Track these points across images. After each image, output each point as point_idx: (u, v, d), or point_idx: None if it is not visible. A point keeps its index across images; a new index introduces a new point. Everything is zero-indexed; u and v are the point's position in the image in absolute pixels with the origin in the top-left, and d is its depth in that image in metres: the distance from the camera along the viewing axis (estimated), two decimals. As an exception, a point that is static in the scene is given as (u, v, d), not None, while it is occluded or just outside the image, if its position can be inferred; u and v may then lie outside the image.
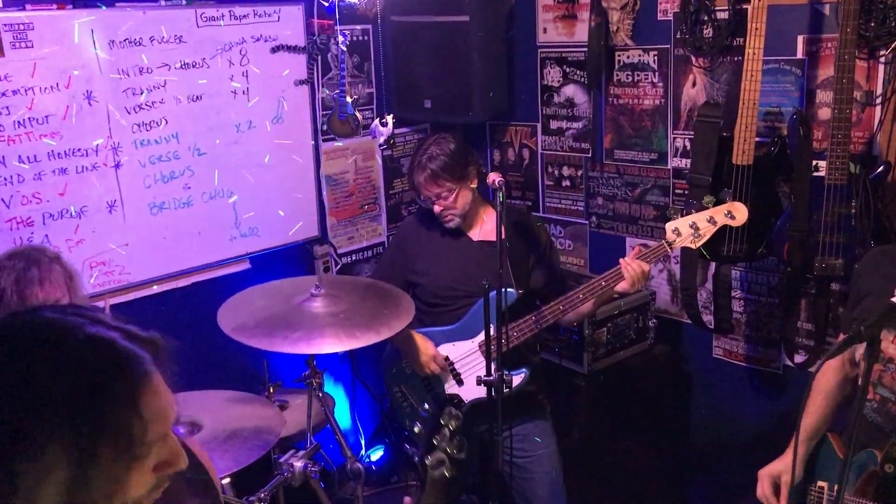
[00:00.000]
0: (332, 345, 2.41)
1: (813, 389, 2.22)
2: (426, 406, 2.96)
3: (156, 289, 3.36)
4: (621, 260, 2.70)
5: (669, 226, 2.73)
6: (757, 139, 2.95)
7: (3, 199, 2.87)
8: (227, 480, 2.55)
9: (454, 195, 2.87)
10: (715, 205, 2.85)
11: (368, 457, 4.14)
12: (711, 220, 2.71)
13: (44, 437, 0.93)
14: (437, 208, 2.92)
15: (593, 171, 3.92)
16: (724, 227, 2.74)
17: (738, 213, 2.73)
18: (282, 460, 2.45)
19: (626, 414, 3.52)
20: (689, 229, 2.70)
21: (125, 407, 0.98)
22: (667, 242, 2.71)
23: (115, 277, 3.22)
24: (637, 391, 3.55)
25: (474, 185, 2.92)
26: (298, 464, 2.42)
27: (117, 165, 3.15)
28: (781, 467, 2.22)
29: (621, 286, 2.70)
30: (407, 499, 1.37)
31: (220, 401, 2.56)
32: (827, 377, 2.23)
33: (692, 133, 3.32)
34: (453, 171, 2.85)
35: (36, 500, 0.93)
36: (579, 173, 3.98)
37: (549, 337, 3.46)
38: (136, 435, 0.99)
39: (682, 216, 2.78)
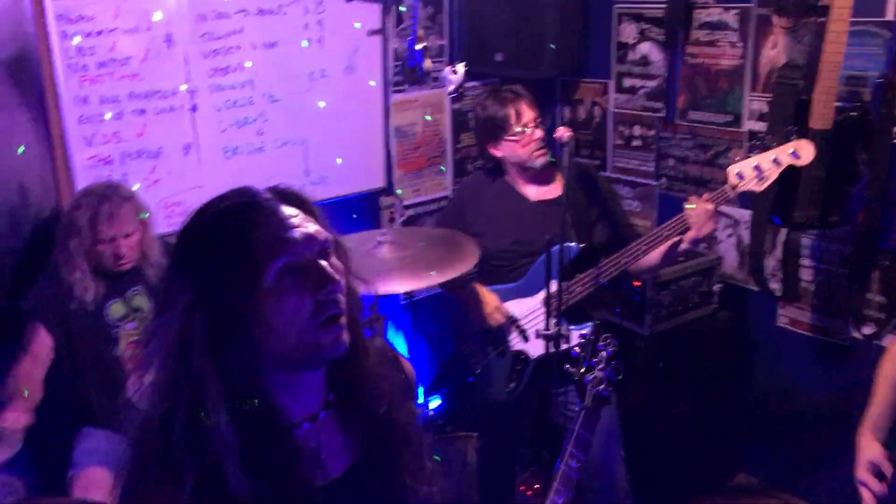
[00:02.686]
0: (399, 286, 2.46)
1: (878, 376, 2.12)
2: (492, 363, 3.00)
3: (227, 231, 3.44)
4: (684, 204, 2.65)
5: (732, 169, 2.63)
6: (837, 104, 2.87)
7: (84, 137, 2.97)
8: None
9: (540, 121, 2.87)
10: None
11: (429, 402, 4.21)
12: (776, 161, 2.59)
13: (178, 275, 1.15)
14: (537, 133, 2.86)
15: (665, 132, 3.86)
16: (795, 183, 2.65)
17: (804, 151, 2.59)
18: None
19: (685, 378, 3.50)
20: (752, 172, 2.60)
21: (237, 237, 1.12)
22: (730, 186, 2.63)
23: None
24: (698, 356, 3.53)
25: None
26: (359, 405, 2.49)
27: (193, 109, 3.23)
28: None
29: (688, 235, 2.64)
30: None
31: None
32: (893, 363, 2.13)
33: (769, 95, 3.24)
34: (533, 99, 2.85)
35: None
36: (651, 133, 3.93)
37: (611, 297, 3.46)
38: (250, 259, 1.11)
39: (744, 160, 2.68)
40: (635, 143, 4.00)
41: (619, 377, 1.54)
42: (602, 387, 1.52)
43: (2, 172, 2.85)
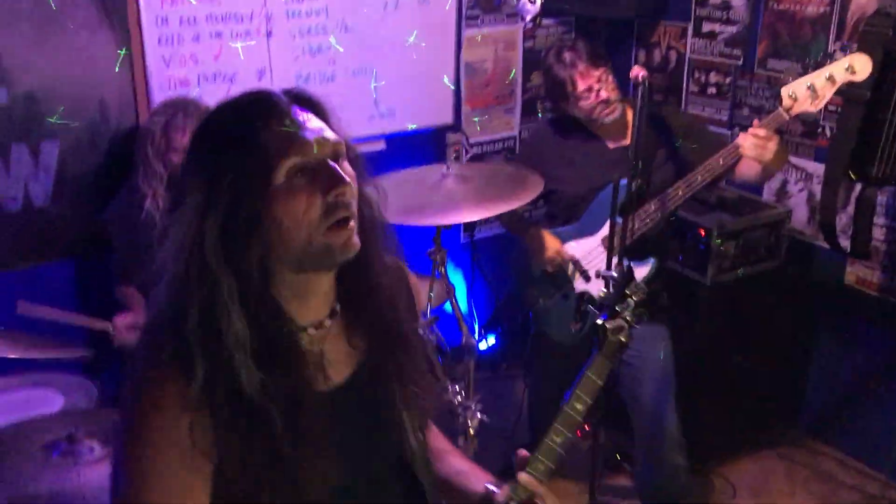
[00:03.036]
0: (462, 216, 2.49)
1: None
2: (556, 305, 3.01)
3: (296, 159, 3.50)
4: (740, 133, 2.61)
5: (785, 90, 2.54)
6: (927, 56, 2.75)
7: (163, 58, 3.04)
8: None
9: (608, 78, 2.82)
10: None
11: (483, 339, 4.26)
12: (830, 79, 2.49)
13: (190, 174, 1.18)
14: (603, 94, 2.85)
15: (742, 80, 3.76)
16: (874, 137, 2.56)
17: (860, 65, 2.47)
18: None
19: (745, 331, 3.47)
20: (805, 91, 2.51)
21: (245, 132, 1.15)
22: (783, 109, 2.56)
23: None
24: (760, 309, 3.48)
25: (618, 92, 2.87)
26: (418, 332, 2.54)
27: (269, 35, 3.26)
28: None
29: (748, 153, 2.58)
30: (522, 451, 1.45)
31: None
32: None
33: (855, 45, 3.12)
34: (600, 53, 2.81)
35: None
36: (727, 81, 3.83)
37: (673, 244, 3.43)
38: (260, 154, 1.13)
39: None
40: (710, 90, 3.91)
41: (640, 325, 1.52)
42: (621, 335, 1.51)
43: (83, 89, 2.95)
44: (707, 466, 3.58)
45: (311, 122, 1.19)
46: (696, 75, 3.95)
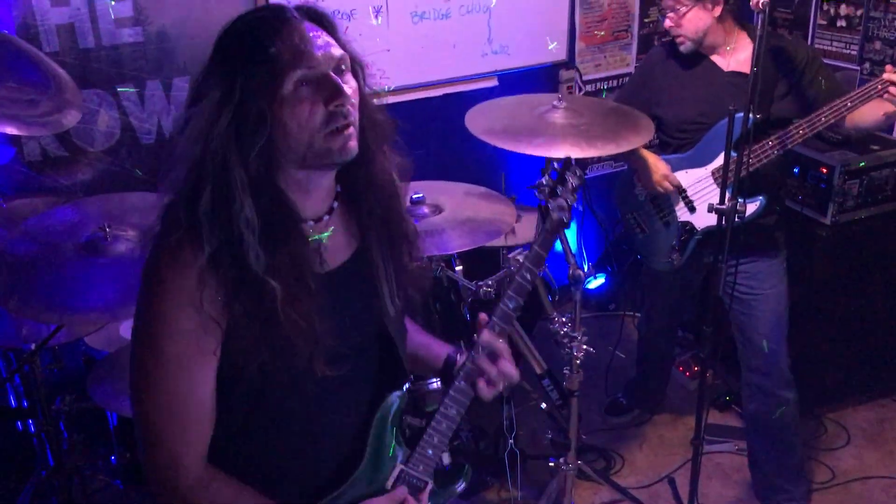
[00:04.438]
0: (572, 151, 2.49)
1: None
2: (657, 232, 3.00)
3: (411, 96, 3.57)
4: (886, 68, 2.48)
5: None
6: None
7: (285, -4, 3.14)
8: (459, 267, 2.79)
9: (685, 12, 2.74)
10: None
11: (593, 278, 4.27)
12: None
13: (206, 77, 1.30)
14: (667, 22, 2.82)
15: (876, 11, 3.56)
16: None
17: None
18: (510, 255, 2.62)
19: (865, 273, 3.35)
20: None
21: (256, 42, 1.27)
22: None
23: (376, 81, 3.44)
24: (882, 251, 3.35)
25: (716, 13, 2.75)
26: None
27: (385, -28, 3.32)
28: None
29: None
30: (482, 315, 1.54)
31: (461, 192, 2.76)
32: None
33: None
34: None
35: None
36: (859, 13, 3.63)
37: (792, 182, 3.32)
38: (269, 63, 1.26)
39: None
40: (840, 23, 3.72)
41: (574, 204, 1.70)
42: (564, 214, 1.66)
43: (208, 25, 3.08)
44: (820, 411, 3.51)
45: (320, 37, 1.31)
46: (825, 7, 3.76)
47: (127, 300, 2.07)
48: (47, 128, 2.49)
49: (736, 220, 2.40)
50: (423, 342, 1.70)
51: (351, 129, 1.32)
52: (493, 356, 1.51)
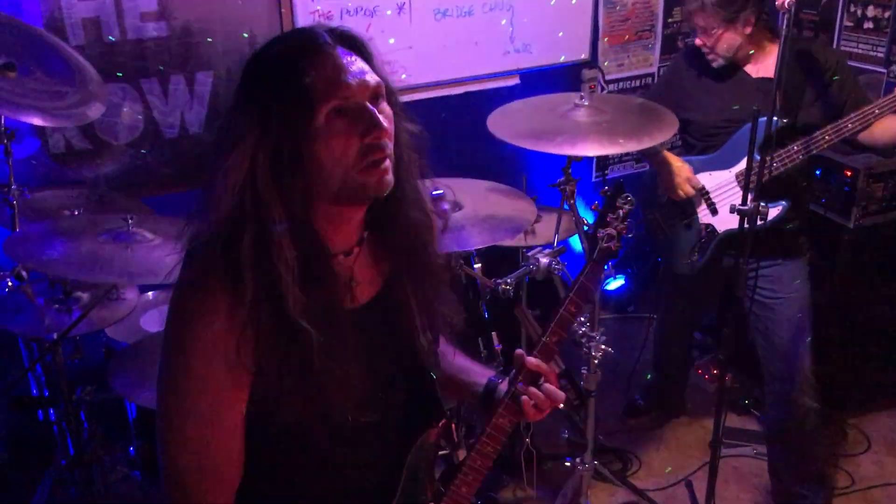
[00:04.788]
0: (594, 149, 2.48)
1: None
2: (677, 234, 2.98)
3: (432, 93, 3.57)
4: None
5: None
6: None
7: (309, -9, 3.16)
8: (478, 265, 2.79)
9: (717, 35, 2.73)
10: None
11: (612, 279, 4.25)
12: None
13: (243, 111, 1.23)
14: (698, 41, 2.82)
15: (903, 13, 3.52)
16: None
17: None
18: (529, 254, 2.62)
19: (889, 277, 3.31)
20: None
21: (289, 75, 1.20)
22: None
23: (397, 78, 3.44)
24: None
25: (747, 31, 2.74)
26: (544, 260, 2.57)
27: (409, -31, 3.32)
28: None
29: None
30: (519, 351, 1.51)
31: (482, 189, 2.76)
32: None
33: None
34: (724, 8, 2.69)
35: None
36: (886, 15, 3.59)
37: (816, 185, 3.29)
38: (303, 97, 1.19)
39: None
40: (867, 24, 3.68)
41: (630, 235, 1.58)
42: (612, 243, 1.54)
43: (234, 22, 3.10)
44: (841, 416, 3.47)
45: (354, 64, 1.23)
46: (853, 9, 3.73)
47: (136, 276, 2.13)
48: (72, 120, 2.52)
49: (758, 222, 2.39)
50: (464, 366, 1.62)
51: (387, 163, 1.25)
52: (537, 380, 1.45)
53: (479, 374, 1.59)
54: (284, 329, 1.22)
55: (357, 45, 1.27)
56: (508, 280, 2.54)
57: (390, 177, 1.26)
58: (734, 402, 3.58)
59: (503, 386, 1.51)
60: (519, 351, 1.49)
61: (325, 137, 1.20)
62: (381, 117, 1.23)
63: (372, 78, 1.23)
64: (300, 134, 1.20)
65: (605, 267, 1.58)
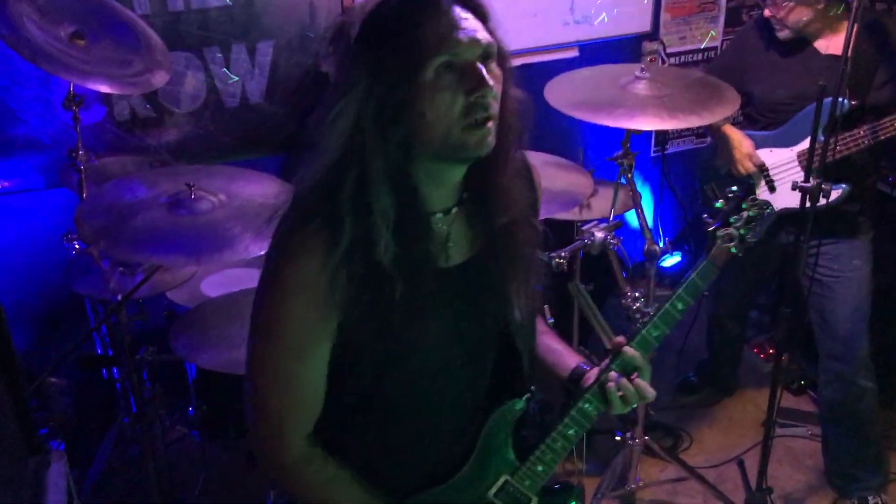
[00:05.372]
0: (653, 122, 2.45)
1: None
2: (732, 210, 2.94)
3: (489, 65, 3.55)
4: None
5: None
6: None
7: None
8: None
9: (788, 7, 2.65)
10: None
11: (669, 256, 4.20)
12: None
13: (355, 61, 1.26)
14: (767, 12, 2.74)
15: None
16: None
17: None
18: (584, 228, 2.61)
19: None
20: None
21: (403, 27, 1.21)
22: None
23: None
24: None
25: (819, 6, 2.65)
26: (599, 234, 2.56)
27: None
28: None
29: None
30: (619, 338, 1.48)
31: (538, 162, 2.72)
32: None
33: None
34: None
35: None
36: (964, -14, 3.45)
37: (885, 165, 3.20)
38: (415, 50, 1.20)
39: None
40: (943, -3, 3.54)
41: (753, 241, 1.51)
42: (732, 244, 1.48)
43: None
44: (898, 400, 3.40)
45: (467, 21, 1.23)
46: (928, -19, 3.59)
47: (205, 252, 2.16)
48: (137, 87, 2.57)
49: (819, 202, 2.34)
50: (554, 348, 1.62)
51: (490, 124, 1.25)
52: (629, 372, 1.44)
53: (568, 357, 1.58)
54: (373, 276, 1.25)
55: (473, 4, 1.26)
56: (563, 254, 2.53)
57: (492, 138, 1.26)
58: (790, 382, 3.54)
59: (591, 374, 1.50)
60: (620, 338, 1.48)
61: (431, 91, 1.21)
62: (488, 77, 1.22)
63: (484, 37, 1.23)
64: (408, 85, 1.21)
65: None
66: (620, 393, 1.43)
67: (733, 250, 1.50)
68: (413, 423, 1.41)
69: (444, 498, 1.45)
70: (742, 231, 1.51)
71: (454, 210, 1.35)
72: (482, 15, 1.26)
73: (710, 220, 1.55)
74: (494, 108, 1.25)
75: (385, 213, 1.24)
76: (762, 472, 2.68)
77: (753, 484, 2.78)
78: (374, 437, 1.42)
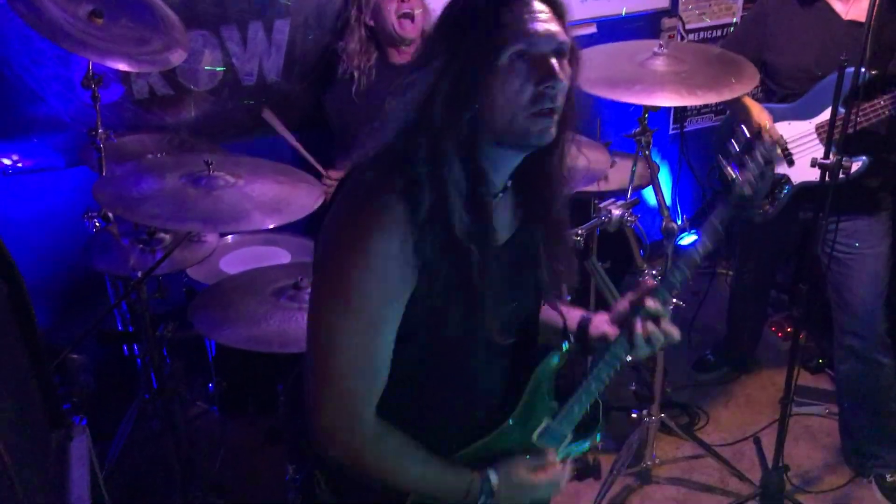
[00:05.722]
0: (671, 99, 2.44)
1: None
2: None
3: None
4: None
5: None
6: None
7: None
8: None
9: None
10: None
11: (687, 234, 4.18)
12: None
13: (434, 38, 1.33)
14: None
15: None
16: None
17: None
18: (602, 205, 2.61)
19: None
20: None
21: (482, 12, 1.27)
22: None
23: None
24: None
25: None
26: (616, 211, 2.56)
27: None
28: None
29: None
30: (648, 280, 1.53)
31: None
32: None
33: None
34: None
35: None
36: None
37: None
38: (493, 36, 1.26)
39: None
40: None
41: (768, 186, 1.53)
42: (748, 189, 1.51)
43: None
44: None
45: (547, 14, 1.29)
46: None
47: (221, 221, 2.23)
48: (156, 65, 2.59)
49: (840, 177, 2.32)
50: (553, 308, 1.70)
51: (554, 116, 1.31)
52: (656, 319, 1.49)
53: (569, 311, 1.65)
54: (450, 248, 1.29)
55: (554, 2, 1.32)
56: (579, 231, 2.53)
57: (554, 130, 1.33)
58: (808, 360, 3.53)
59: (598, 319, 1.59)
60: (650, 281, 1.52)
61: (503, 77, 1.27)
62: (559, 70, 1.29)
63: (559, 33, 1.30)
64: (483, 68, 1.26)
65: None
66: (646, 335, 1.48)
67: (747, 194, 1.52)
68: (467, 384, 1.48)
69: (494, 445, 1.52)
70: (756, 174, 1.53)
71: (501, 195, 1.41)
72: (560, 12, 1.32)
73: (725, 163, 1.56)
74: (560, 101, 1.31)
75: (458, 185, 1.29)
76: (779, 450, 2.68)
77: (770, 462, 2.78)
78: (428, 399, 1.47)
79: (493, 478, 1.47)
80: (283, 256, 2.98)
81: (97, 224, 2.72)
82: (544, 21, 1.28)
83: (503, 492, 1.48)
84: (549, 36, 1.28)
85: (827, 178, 2.37)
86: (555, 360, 1.54)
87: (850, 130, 2.32)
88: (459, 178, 1.29)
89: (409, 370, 1.40)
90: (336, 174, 2.96)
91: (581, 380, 1.56)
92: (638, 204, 2.75)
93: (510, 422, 1.53)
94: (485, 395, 1.52)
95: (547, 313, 1.66)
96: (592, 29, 3.65)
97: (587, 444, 1.66)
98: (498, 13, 1.26)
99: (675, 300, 2.71)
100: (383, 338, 1.34)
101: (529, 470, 1.51)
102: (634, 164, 2.78)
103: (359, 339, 1.32)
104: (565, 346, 1.56)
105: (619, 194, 2.80)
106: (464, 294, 1.33)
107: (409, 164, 1.28)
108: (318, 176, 2.94)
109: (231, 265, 2.95)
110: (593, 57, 2.76)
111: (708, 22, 3.91)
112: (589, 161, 2.39)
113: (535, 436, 1.55)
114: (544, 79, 1.27)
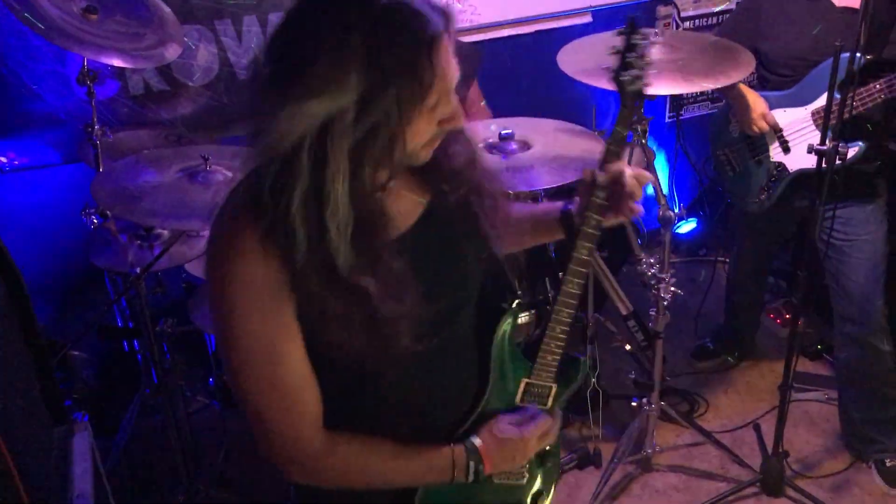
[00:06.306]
0: (667, 87, 2.44)
1: None
2: (748, 171, 2.92)
3: (502, 32, 3.54)
4: None
5: None
6: None
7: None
8: (545, 203, 2.79)
9: None
10: None
11: (684, 222, 4.20)
12: None
13: (344, 67, 1.11)
14: None
15: None
16: None
17: None
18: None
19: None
20: None
21: (417, 53, 1.13)
22: None
23: (468, 17, 3.44)
24: None
25: None
26: (613, 201, 2.56)
27: None
28: None
29: None
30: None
31: (551, 129, 2.74)
32: None
33: None
34: None
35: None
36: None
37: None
38: (424, 80, 1.14)
39: None
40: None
41: (652, 70, 1.50)
42: (639, 82, 1.47)
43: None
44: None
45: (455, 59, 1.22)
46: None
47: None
48: (150, 61, 2.59)
49: (836, 163, 2.32)
50: (531, 208, 1.68)
51: (438, 141, 1.28)
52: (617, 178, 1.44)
53: (552, 205, 1.60)
54: (339, 287, 1.20)
55: (451, 21, 1.22)
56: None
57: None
58: (806, 346, 3.54)
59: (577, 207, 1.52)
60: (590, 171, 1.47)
61: (417, 120, 1.19)
62: (459, 108, 1.26)
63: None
64: (407, 116, 1.16)
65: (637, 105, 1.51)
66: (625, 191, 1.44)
67: (640, 89, 1.49)
68: (409, 387, 1.40)
69: (481, 421, 1.47)
70: (641, 66, 1.48)
71: (391, 184, 1.31)
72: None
73: (613, 66, 1.49)
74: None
75: (341, 225, 1.18)
76: (778, 436, 2.69)
77: (770, 448, 2.80)
78: (384, 414, 1.40)
79: (476, 440, 1.43)
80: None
81: (95, 221, 2.72)
82: (454, 60, 1.20)
83: (493, 451, 1.43)
84: (456, 74, 1.21)
85: (824, 165, 2.38)
86: (507, 326, 1.49)
87: (847, 116, 2.32)
88: (345, 215, 1.17)
89: (344, 387, 1.34)
90: None
91: (543, 330, 1.51)
92: (635, 192, 2.75)
93: (487, 396, 1.48)
94: (449, 384, 1.46)
95: (528, 215, 1.61)
96: (587, 18, 3.66)
97: (576, 384, 1.61)
98: (429, 56, 1.15)
99: (673, 289, 2.73)
100: (287, 363, 1.27)
101: (514, 424, 1.46)
102: (631, 153, 2.78)
103: (261, 372, 1.26)
104: (514, 306, 1.50)
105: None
106: (370, 321, 1.23)
107: (279, 202, 1.16)
108: None
109: (230, 260, 2.95)
110: (588, 47, 2.77)
111: (703, 10, 3.90)
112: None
113: (517, 399, 1.52)
114: (448, 121, 1.24)
